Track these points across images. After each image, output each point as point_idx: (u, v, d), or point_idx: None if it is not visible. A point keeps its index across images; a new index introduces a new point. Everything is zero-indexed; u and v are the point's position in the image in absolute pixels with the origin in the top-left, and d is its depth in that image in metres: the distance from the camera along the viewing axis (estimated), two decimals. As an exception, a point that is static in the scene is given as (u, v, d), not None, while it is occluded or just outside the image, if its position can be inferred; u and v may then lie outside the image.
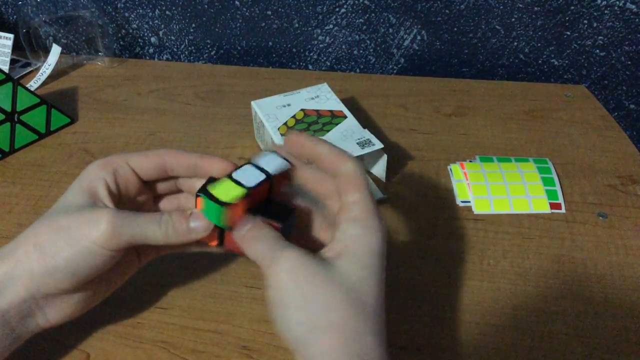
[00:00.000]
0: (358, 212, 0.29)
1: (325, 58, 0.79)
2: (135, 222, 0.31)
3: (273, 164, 0.31)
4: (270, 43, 0.78)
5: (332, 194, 0.32)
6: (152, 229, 0.31)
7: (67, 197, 0.33)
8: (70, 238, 0.30)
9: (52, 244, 0.30)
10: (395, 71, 0.79)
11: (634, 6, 0.67)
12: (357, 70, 0.80)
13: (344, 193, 0.30)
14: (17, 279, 0.30)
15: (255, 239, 0.29)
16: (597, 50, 0.72)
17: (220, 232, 0.32)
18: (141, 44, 0.81)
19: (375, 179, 0.53)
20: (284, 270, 0.27)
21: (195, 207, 0.31)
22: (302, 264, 0.27)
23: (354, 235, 0.29)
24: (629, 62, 0.73)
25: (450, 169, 0.55)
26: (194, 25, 0.78)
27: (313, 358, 0.26)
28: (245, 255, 0.30)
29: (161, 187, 0.37)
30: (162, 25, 0.78)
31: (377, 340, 0.27)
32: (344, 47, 0.77)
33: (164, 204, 0.38)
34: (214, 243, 0.32)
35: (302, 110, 0.54)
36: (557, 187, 0.52)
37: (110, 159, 0.34)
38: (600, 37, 0.71)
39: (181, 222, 0.31)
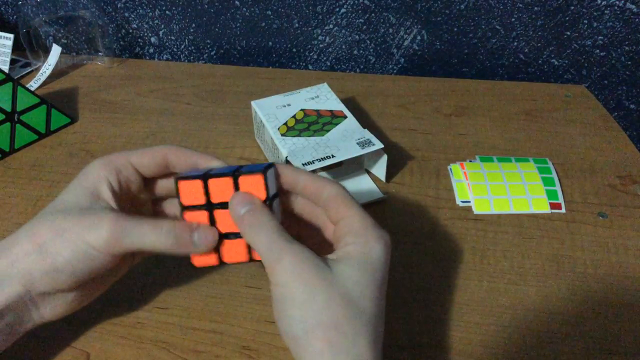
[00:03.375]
0: (357, 225, 0.30)
1: (325, 58, 0.79)
2: (137, 229, 0.30)
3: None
4: (270, 43, 0.78)
5: (323, 221, 0.33)
6: (153, 238, 0.30)
7: (68, 195, 0.32)
8: (71, 241, 0.30)
9: (52, 244, 0.30)
10: (395, 71, 0.79)
11: (634, 6, 0.67)
12: (357, 70, 0.80)
13: (336, 213, 0.31)
14: (14, 277, 0.30)
15: (256, 228, 0.29)
16: (597, 50, 0.72)
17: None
18: (141, 44, 0.81)
19: (375, 179, 0.53)
20: (288, 269, 0.27)
21: (177, 192, 0.31)
22: (306, 262, 0.28)
23: (354, 243, 0.29)
24: (629, 62, 0.73)
25: (450, 169, 0.55)
26: (194, 25, 0.78)
27: (309, 356, 0.26)
28: (244, 261, 0.31)
29: (162, 184, 0.37)
30: (162, 25, 0.78)
31: (371, 345, 0.27)
32: (344, 47, 0.77)
33: (166, 206, 0.38)
34: (214, 261, 0.32)
35: (302, 110, 0.54)
36: (557, 187, 0.52)
37: (112, 158, 0.34)
38: (600, 37, 0.71)
39: (184, 235, 0.31)
